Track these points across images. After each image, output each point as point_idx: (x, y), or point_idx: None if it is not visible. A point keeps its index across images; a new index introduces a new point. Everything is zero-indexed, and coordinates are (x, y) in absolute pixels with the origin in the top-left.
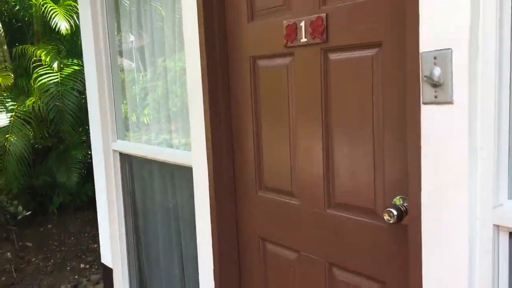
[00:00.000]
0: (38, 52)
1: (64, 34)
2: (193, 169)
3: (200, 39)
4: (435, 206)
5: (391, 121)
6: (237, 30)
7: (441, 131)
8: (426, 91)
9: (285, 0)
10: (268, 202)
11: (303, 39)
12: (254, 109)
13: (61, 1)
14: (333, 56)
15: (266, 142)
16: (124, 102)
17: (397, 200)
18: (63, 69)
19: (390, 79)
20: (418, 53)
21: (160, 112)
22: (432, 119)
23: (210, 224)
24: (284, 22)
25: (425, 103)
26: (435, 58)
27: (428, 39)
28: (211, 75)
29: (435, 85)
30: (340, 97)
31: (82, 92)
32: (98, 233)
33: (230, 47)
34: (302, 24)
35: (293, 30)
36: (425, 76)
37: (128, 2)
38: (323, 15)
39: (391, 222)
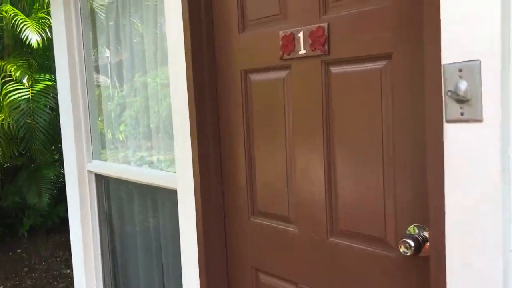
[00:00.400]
0: (8, 67)
1: (35, 48)
2: (178, 192)
3: (186, 52)
4: (463, 236)
5: (403, 140)
6: (227, 41)
7: (468, 152)
8: (450, 108)
9: (280, 9)
10: (262, 228)
11: (302, 51)
12: (246, 126)
13: (33, 14)
14: (335, 69)
15: (259, 163)
16: (100, 119)
17: (412, 229)
18: (35, 85)
19: (403, 94)
20: (440, 65)
21: (139, 130)
22: (457, 138)
23: (197, 254)
24: (280, 32)
25: (449, 121)
26: (460, 70)
27: (452, 50)
28: (198, 91)
29: (461, 100)
30: (343, 113)
31: (55, 109)
32: (71, 258)
33: (220, 60)
34: (301, 34)
35: (290, 41)
36: (448, 91)
37: (104, 15)
38: (324, 24)
39: (408, 254)
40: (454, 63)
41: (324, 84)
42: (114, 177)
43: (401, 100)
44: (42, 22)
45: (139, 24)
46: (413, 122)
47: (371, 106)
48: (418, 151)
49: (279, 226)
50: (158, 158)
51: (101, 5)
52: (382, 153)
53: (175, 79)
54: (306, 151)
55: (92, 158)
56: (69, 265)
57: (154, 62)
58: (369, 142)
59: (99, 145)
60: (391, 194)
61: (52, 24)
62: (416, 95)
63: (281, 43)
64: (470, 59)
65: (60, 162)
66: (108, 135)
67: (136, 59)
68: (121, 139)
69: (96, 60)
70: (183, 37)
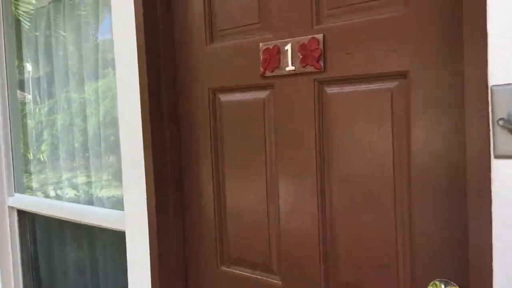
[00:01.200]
0: None
1: None
2: (126, 236)
3: (140, 70)
4: None
5: (420, 175)
6: (192, 54)
7: None
8: (500, 140)
9: (260, 17)
10: (235, 280)
11: (289, 67)
12: (215, 156)
13: None
14: (332, 90)
15: (232, 197)
16: (24, 142)
17: (435, 285)
18: None
19: (422, 120)
20: (486, 87)
21: (71, 152)
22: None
23: None
24: (261, 45)
25: (500, 157)
26: None
27: (503, 67)
28: (154, 114)
29: None
30: (342, 142)
31: None
32: None
33: (182, 76)
34: (288, 47)
35: (274, 55)
36: (499, 120)
37: (30, 24)
38: (319, 36)
39: None
40: (507, 84)
41: (318, 107)
42: (43, 214)
43: (419, 127)
44: None
45: (71, 35)
46: (433, 156)
47: (378, 134)
48: (441, 188)
49: (257, 277)
50: (92, 182)
51: (26, 12)
52: (394, 189)
53: (124, 101)
54: (294, 184)
55: (15, 190)
56: None
57: (91, 75)
58: (376, 175)
59: (22, 174)
60: (406, 239)
61: None
62: (443, 123)
63: (262, 57)
64: None
65: None
66: (32, 161)
67: (67, 72)
68: (45, 161)
69: (21, 74)
70: (135, 48)
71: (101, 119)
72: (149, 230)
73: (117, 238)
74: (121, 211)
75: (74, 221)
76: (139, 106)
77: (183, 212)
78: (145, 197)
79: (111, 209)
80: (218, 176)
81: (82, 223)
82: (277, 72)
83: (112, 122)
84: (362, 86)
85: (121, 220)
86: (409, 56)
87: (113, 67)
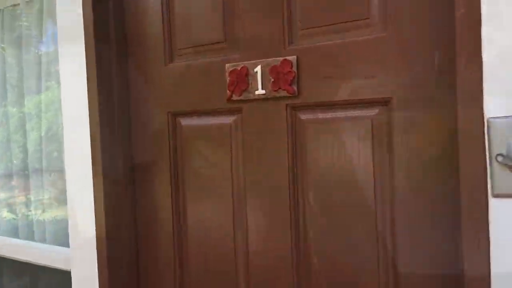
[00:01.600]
0: None
1: None
2: (72, 276)
3: (90, 89)
4: None
5: (403, 211)
6: (149, 74)
7: None
8: (499, 178)
9: (227, 35)
10: None
11: (259, 91)
12: (175, 184)
13: None
14: (306, 116)
15: (194, 231)
16: None
17: None
18: None
19: (408, 153)
20: (482, 119)
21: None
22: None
23: None
24: (228, 66)
25: (498, 196)
26: None
27: (502, 98)
28: (106, 141)
29: None
30: (317, 171)
31: None
32: None
33: (137, 98)
34: (258, 69)
35: (243, 77)
36: (498, 155)
37: None
38: (293, 57)
39: None
40: (506, 117)
41: (291, 133)
42: None
43: (403, 161)
44: None
45: (10, 47)
46: (420, 192)
47: (357, 165)
48: (429, 226)
49: None
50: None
51: None
52: (376, 223)
53: (71, 122)
54: (265, 218)
55: None
56: None
57: (32, 89)
58: (355, 207)
59: None
60: (389, 272)
61: None
62: (432, 157)
63: (228, 79)
64: None
65: None
66: None
67: (5, 86)
68: None
69: None
70: (84, 63)
71: (43, 134)
72: (98, 273)
73: (62, 279)
74: (66, 248)
75: (8, 258)
76: (88, 128)
77: (137, 241)
78: (94, 228)
79: (55, 246)
80: (179, 205)
81: (22, 260)
82: (245, 96)
83: (55, 137)
84: (339, 113)
85: (66, 258)
86: (390, 83)
87: (57, 80)
